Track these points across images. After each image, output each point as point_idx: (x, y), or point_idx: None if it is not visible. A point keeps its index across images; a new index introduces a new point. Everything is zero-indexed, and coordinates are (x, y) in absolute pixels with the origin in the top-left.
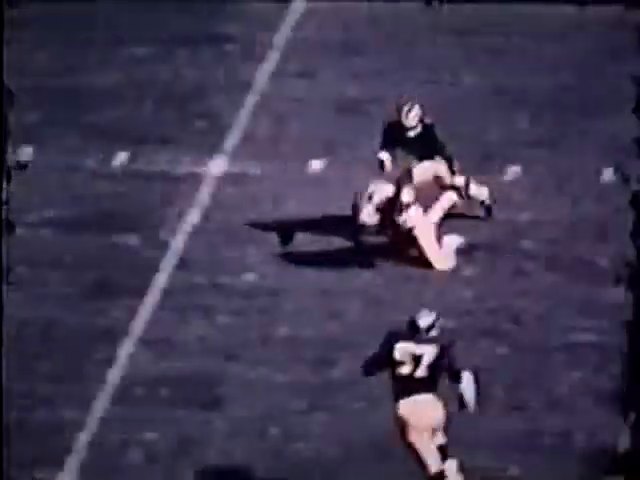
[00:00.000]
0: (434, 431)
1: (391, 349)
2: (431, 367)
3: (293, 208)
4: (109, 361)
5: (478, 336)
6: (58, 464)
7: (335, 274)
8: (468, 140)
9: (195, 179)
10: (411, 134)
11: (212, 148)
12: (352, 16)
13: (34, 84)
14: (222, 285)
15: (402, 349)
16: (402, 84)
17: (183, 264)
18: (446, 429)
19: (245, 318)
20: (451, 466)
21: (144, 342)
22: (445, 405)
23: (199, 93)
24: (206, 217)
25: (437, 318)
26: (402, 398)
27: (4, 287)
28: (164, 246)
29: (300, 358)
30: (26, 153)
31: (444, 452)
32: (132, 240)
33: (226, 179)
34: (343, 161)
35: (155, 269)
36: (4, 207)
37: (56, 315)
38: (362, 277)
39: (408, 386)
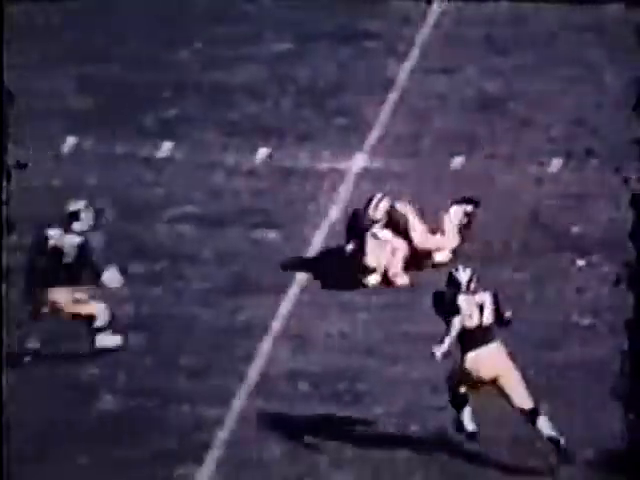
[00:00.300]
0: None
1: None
2: (493, 313)
3: (433, 205)
4: (249, 357)
5: None
6: (198, 460)
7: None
8: (611, 138)
9: (336, 175)
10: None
11: (353, 144)
12: (493, 13)
13: (176, 80)
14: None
15: (466, 300)
16: (543, 81)
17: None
18: None
19: (385, 314)
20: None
21: (283, 338)
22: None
23: (340, 90)
24: (347, 213)
25: (473, 272)
26: (471, 350)
27: (3, 286)
28: (305, 242)
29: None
30: (166, 149)
31: None
32: (272, 236)
33: (366, 175)
34: (483, 157)
35: (296, 265)
36: (4, 207)
37: (195, 311)
38: (499, 275)
39: (476, 337)
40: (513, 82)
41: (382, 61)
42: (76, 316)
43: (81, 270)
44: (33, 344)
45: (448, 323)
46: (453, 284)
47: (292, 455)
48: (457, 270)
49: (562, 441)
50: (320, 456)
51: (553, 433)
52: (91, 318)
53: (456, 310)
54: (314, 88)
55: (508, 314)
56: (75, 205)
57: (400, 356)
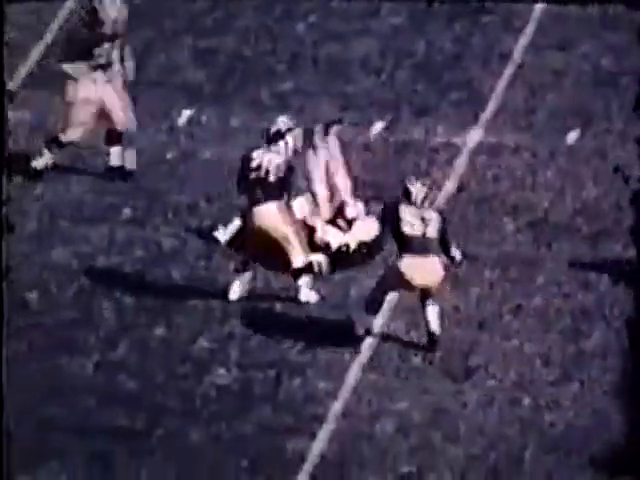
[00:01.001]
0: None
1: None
2: (438, 231)
3: (546, 179)
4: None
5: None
6: (311, 434)
7: (585, 245)
8: None
9: (451, 149)
10: None
11: (469, 119)
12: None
13: (291, 53)
14: (476, 256)
15: (411, 211)
16: None
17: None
18: None
19: (498, 288)
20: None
21: (397, 312)
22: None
23: (455, 64)
24: (461, 187)
25: (430, 188)
26: (408, 256)
27: (4, 285)
28: None
29: (552, 329)
30: (281, 121)
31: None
32: None
33: (482, 149)
34: (597, 133)
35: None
36: (4, 207)
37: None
38: (612, 249)
39: (415, 245)
40: (627, 58)
41: (498, 36)
42: (278, 250)
43: (284, 191)
44: None
45: (384, 230)
46: (405, 195)
47: (405, 429)
48: (412, 184)
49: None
50: (433, 431)
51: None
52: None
53: (394, 219)
54: (429, 62)
55: (456, 253)
56: (280, 125)
57: (513, 330)
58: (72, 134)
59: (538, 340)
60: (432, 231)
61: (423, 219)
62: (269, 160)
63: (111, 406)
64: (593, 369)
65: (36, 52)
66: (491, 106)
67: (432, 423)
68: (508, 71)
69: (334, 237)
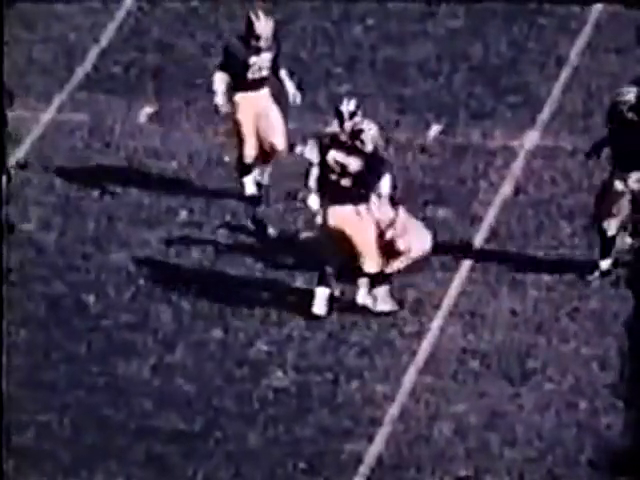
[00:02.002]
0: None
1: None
2: (357, 179)
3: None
4: (419, 333)
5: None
6: (368, 437)
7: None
8: None
9: (508, 152)
10: None
11: (525, 122)
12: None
13: (348, 56)
14: (533, 259)
15: (332, 156)
16: None
17: (494, 237)
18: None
19: (555, 292)
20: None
21: (455, 315)
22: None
23: (512, 67)
24: (517, 190)
25: (358, 105)
26: (330, 206)
27: (5, 286)
28: (476, 219)
29: (609, 332)
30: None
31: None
32: (444, 213)
33: (539, 152)
34: None
35: (467, 243)
36: (4, 207)
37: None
38: None
39: (335, 194)
40: None
41: (554, 38)
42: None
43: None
44: None
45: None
46: (337, 115)
47: (462, 432)
48: (342, 103)
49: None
50: (490, 434)
51: (384, 308)
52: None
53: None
54: (486, 65)
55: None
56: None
57: (570, 333)
58: (249, 153)
59: (595, 343)
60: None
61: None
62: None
63: (168, 409)
64: (625, 397)
65: (92, 54)
66: (548, 109)
67: (489, 426)
68: (565, 74)
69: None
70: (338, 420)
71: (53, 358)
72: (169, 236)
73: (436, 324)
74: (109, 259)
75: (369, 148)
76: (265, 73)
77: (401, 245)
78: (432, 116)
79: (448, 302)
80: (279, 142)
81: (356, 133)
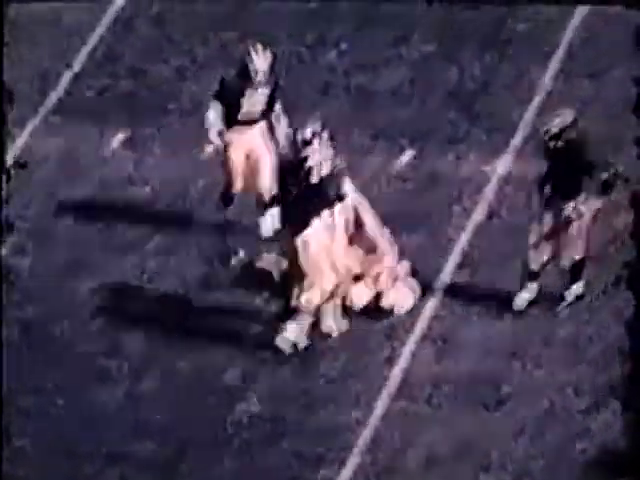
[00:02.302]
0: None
1: None
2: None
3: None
4: (392, 359)
5: None
6: (341, 462)
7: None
8: None
9: (481, 177)
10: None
11: (499, 146)
12: (638, 16)
13: (321, 81)
14: (506, 284)
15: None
16: None
17: (467, 262)
18: None
19: (528, 317)
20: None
21: (427, 340)
22: None
23: (486, 91)
24: (491, 215)
25: (314, 133)
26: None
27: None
28: (449, 244)
29: (582, 358)
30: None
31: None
32: (417, 238)
33: (511, 178)
34: (627, 160)
35: (438, 268)
36: (4, 207)
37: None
38: None
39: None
40: None
41: (527, 63)
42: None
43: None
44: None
45: None
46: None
47: (435, 458)
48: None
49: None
50: (464, 460)
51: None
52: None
53: None
54: (460, 90)
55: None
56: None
57: (543, 358)
58: (236, 187)
59: (569, 369)
60: None
61: None
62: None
63: (140, 436)
64: (624, 397)
65: (65, 79)
66: (521, 134)
67: (462, 452)
68: (537, 99)
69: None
70: (311, 446)
71: (26, 384)
72: (141, 263)
73: (408, 349)
74: (81, 286)
75: (314, 180)
76: (260, 108)
77: (385, 302)
78: (406, 141)
79: (421, 327)
80: (264, 187)
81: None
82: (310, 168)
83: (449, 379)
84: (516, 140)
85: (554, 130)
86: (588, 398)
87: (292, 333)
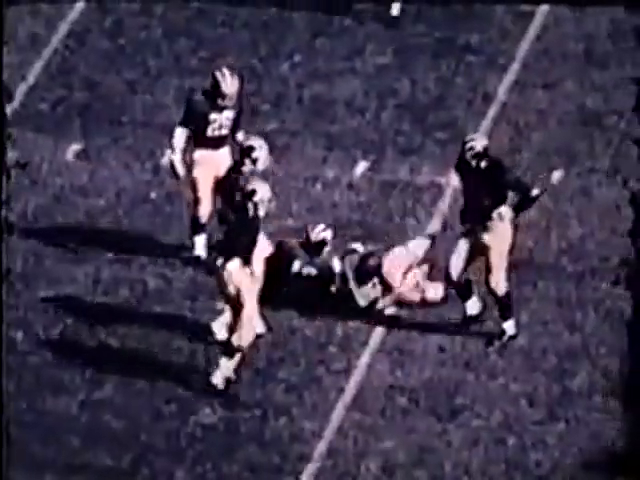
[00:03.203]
0: None
1: None
2: None
3: (530, 218)
4: (347, 370)
5: None
6: (296, 473)
7: (572, 284)
8: None
9: (436, 189)
10: None
11: (453, 158)
12: (594, 27)
13: (276, 92)
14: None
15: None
16: None
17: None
18: None
19: (484, 326)
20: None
21: (382, 351)
22: None
23: (440, 103)
24: (445, 226)
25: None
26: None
27: (3, 287)
28: None
29: (538, 368)
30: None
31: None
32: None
33: None
34: (580, 172)
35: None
36: (4, 207)
37: (295, 324)
38: (600, 289)
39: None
40: (613, 97)
41: (482, 75)
42: None
43: None
44: None
45: None
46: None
47: (389, 469)
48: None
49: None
50: (419, 470)
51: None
52: None
53: None
54: (414, 102)
55: None
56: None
57: (498, 369)
58: (203, 212)
59: (523, 380)
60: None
61: None
62: None
63: (96, 445)
64: (579, 409)
65: (20, 91)
66: None
67: (417, 462)
68: (492, 110)
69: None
70: (266, 456)
71: None
72: (97, 273)
73: (364, 361)
74: (37, 296)
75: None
76: (225, 132)
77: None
78: (360, 153)
79: (375, 339)
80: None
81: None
82: (255, 203)
83: (404, 390)
84: None
85: (478, 148)
86: (543, 409)
87: (225, 370)
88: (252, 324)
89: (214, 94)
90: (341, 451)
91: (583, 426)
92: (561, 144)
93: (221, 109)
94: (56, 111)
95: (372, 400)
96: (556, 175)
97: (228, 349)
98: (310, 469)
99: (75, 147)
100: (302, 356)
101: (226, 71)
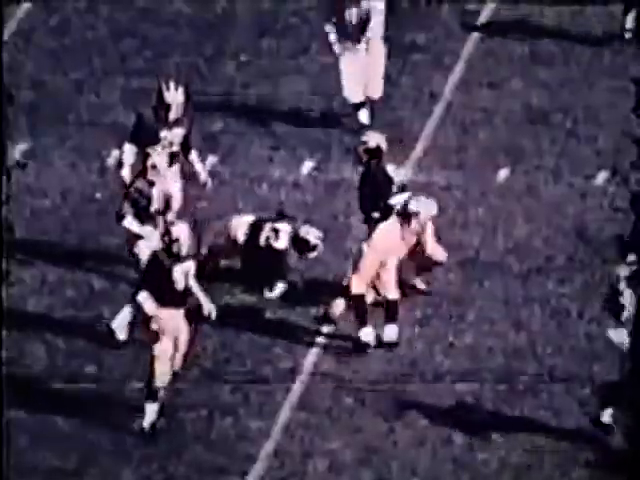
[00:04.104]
0: None
1: None
2: None
3: (477, 217)
4: (293, 370)
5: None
6: (243, 472)
7: (519, 283)
8: None
9: None
10: None
11: (399, 158)
12: (538, 26)
13: (221, 93)
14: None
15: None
16: (587, 95)
17: None
18: None
19: (429, 327)
20: None
21: (328, 351)
22: None
23: (386, 102)
24: None
25: None
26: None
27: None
28: (348, 254)
29: (484, 367)
30: (210, 162)
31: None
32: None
33: (412, 188)
34: (527, 170)
35: (341, 277)
36: (4, 207)
37: (241, 323)
38: (544, 287)
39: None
40: (558, 95)
41: (428, 74)
42: None
43: None
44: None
45: None
46: None
47: (336, 468)
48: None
49: None
50: (365, 470)
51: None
52: None
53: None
54: None
55: None
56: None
57: (444, 368)
58: None
59: (469, 378)
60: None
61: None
62: None
63: (43, 446)
64: (525, 407)
65: None
66: (421, 144)
67: (364, 462)
68: (438, 109)
69: None
70: (212, 456)
71: None
72: (44, 274)
73: (310, 360)
74: None
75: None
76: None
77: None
78: (305, 152)
79: (322, 339)
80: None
81: None
82: (180, 246)
83: (350, 390)
84: (417, 151)
85: (371, 144)
86: (489, 409)
87: (151, 414)
88: (166, 365)
89: (159, 107)
90: (288, 451)
91: (530, 425)
92: (507, 142)
93: (169, 125)
94: (2, 110)
95: (318, 399)
96: (502, 173)
97: (150, 393)
98: (257, 469)
99: (22, 146)
100: (248, 356)
101: (170, 81)
